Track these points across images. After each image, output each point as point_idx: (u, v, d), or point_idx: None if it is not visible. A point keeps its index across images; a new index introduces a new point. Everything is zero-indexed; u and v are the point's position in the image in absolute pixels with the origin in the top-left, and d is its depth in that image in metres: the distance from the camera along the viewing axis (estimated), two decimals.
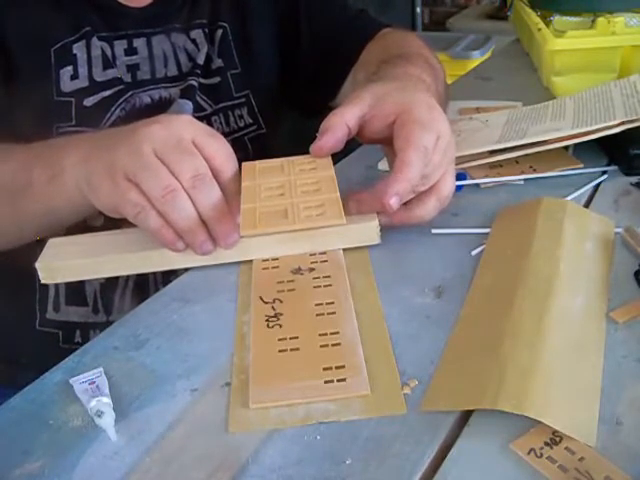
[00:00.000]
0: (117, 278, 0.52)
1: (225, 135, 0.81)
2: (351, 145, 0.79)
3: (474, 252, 0.56)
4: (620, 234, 0.56)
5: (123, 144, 0.52)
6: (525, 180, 0.67)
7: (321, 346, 0.46)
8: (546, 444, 0.37)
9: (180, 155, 0.52)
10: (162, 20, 0.77)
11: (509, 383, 0.39)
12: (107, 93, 0.74)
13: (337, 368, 0.44)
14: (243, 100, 0.83)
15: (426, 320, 0.49)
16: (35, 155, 0.60)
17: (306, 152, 0.60)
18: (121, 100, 0.74)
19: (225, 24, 0.81)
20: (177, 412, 0.43)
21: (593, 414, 0.39)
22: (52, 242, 0.59)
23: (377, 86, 0.59)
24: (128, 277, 0.52)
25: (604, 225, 0.58)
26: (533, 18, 1.00)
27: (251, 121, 0.84)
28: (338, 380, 0.43)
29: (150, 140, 0.52)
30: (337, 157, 0.77)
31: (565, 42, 0.89)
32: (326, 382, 0.43)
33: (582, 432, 0.38)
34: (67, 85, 0.72)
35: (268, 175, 0.60)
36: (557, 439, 0.38)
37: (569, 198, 0.63)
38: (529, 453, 0.37)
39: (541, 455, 0.37)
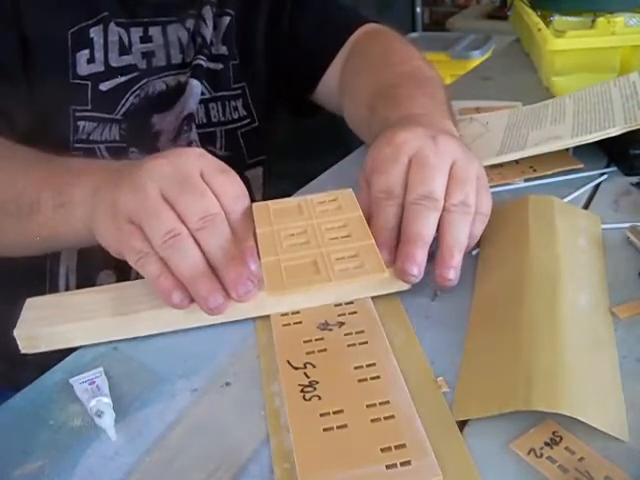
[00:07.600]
0: (124, 278, 0.50)
1: (220, 124, 0.82)
2: (351, 145, 0.79)
3: (474, 252, 0.56)
4: (607, 230, 0.57)
5: (127, 182, 0.49)
6: (525, 180, 0.67)
7: (372, 420, 0.39)
8: (546, 444, 0.37)
9: (188, 195, 0.47)
10: (178, 9, 0.78)
11: (538, 383, 0.39)
12: (122, 79, 0.74)
13: (397, 448, 0.38)
14: (239, 92, 0.83)
15: (425, 320, 0.49)
16: (47, 175, 0.58)
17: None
18: (136, 87, 0.74)
19: (232, 12, 0.81)
20: (177, 412, 0.43)
21: (621, 409, 0.39)
22: (31, 302, 0.52)
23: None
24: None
25: (591, 220, 0.58)
26: (533, 18, 1.00)
27: (245, 114, 0.84)
28: (402, 464, 0.37)
29: (155, 178, 0.48)
30: (337, 158, 0.78)
31: (565, 42, 0.89)
32: (388, 467, 0.37)
33: (615, 428, 0.38)
34: (83, 68, 0.72)
35: (285, 218, 0.53)
36: (557, 439, 0.38)
37: (569, 198, 0.63)
38: (529, 453, 0.37)
39: (541, 455, 0.37)
